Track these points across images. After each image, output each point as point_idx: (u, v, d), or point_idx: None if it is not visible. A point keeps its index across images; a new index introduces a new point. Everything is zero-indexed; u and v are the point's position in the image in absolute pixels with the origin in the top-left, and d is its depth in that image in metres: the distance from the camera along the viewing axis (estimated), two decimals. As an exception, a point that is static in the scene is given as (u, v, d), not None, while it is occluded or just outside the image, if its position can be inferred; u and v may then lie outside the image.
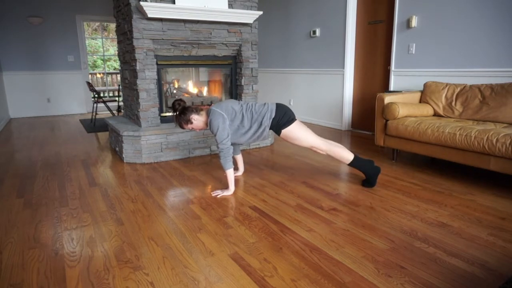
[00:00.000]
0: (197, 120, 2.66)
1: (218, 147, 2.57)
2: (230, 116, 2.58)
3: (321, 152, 2.68)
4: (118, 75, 8.71)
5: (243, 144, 2.96)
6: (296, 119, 2.66)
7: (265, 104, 2.66)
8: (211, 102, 4.23)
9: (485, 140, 2.54)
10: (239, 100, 2.71)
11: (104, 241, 1.95)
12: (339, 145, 2.73)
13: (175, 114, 2.68)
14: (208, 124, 2.64)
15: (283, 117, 2.61)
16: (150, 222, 2.19)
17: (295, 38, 5.92)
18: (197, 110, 2.68)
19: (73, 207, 2.44)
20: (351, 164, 2.68)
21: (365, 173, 2.70)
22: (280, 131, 2.62)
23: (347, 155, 2.66)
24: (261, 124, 2.60)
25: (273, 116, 2.60)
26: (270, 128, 2.64)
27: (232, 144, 2.80)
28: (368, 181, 2.73)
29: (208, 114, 2.62)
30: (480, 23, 3.46)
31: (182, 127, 2.70)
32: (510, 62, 3.29)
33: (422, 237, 1.94)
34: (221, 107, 2.60)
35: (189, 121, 2.64)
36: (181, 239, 1.96)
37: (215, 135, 2.56)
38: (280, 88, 6.51)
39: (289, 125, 2.60)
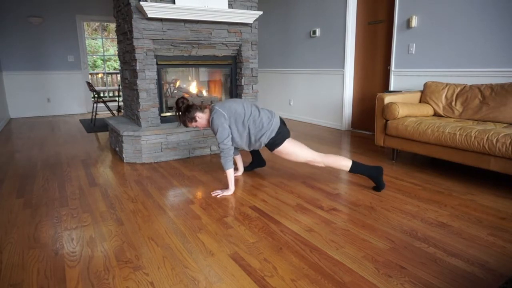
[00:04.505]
0: (201, 118, 2.67)
1: (219, 147, 2.58)
2: (233, 117, 2.58)
3: (318, 165, 2.65)
4: (118, 75, 8.72)
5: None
6: (289, 137, 2.65)
7: (270, 119, 2.61)
8: (211, 102, 4.23)
9: (485, 140, 2.54)
10: (244, 101, 2.70)
11: (104, 241, 1.95)
12: (334, 155, 2.70)
13: (179, 112, 2.68)
14: (210, 122, 2.64)
15: (280, 139, 2.60)
16: (150, 222, 2.19)
17: (295, 38, 5.92)
18: (201, 108, 2.69)
19: (73, 207, 2.44)
20: (352, 170, 2.63)
21: (369, 176, 2.64)
22: (273, 150, 2.64)
23: (345, 162, 2.62)
24: (259, 139, 2.61)
25: (272, 136, 2.59)
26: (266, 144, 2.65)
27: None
28: (377, 185, 2.67)
29: (211, 112, 2.62)
30: (480, 23, 3.46)
31: (186, 125, 2.71)
32: (509, 62, 3.29)
33: (422, 237, 1.94)
34: (223, 107, 2.59)
35: (193, 119, 2.66)
36: (181, 239, 1.96)
37: (215, 134, 2.57)
38: (280, 88, 6.51)
39: (281, 144, 2.60)
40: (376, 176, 2.64)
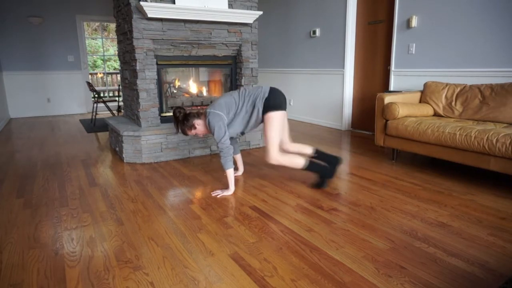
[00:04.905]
0: (200, 124, 2.68)
1: (218, 147, 2.58)
2: (225, 110, 2.59)
3: (268, 160, 2.59)
4: (118, 75, 8.71)
5: (241, 136, 2.92)
6: (284, 110, 2.62)
7: (259, 87, 2.67)
8: (211, 102, 4.23)
9: (485, 140, 2.54)
10: (231, 92, 2.73)
11: (104, 241, 1.95)
12: (292, 154, 2.66)
13: (177, 121, 2.68)
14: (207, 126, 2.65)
15: (274, 100, 2.58)
16: (150, 222, 2.19)
17: (295, 38, 5.92)
18: (198, 115, 2.69)
19: (73, 207, 2.44)
20: (306, 169, 2.63)
21: (320, 175, 2.71)
22: (266, 112, 2.58)
23: (299, 162, 2.60)
24: (254, 106, 2.60)
25: (266, 96, 2.58)
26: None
27: (231, 139, 2.81)
28: (319, 183, 2.73)
29: (206, 116, 2.63)
30: (480, 23, 3.45)
31: (185, 134, 2.72)
32: (509, 62, 3.29)
33: (422, 237, 1.94)
34: (214, 107, 2.61)
35: (192, 127, 2.66)
36: (181, 239, 1.96)
37: (213, 135, 2.58)
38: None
39: (274, 110, 2.56)
40: (325, 176, 2.71)
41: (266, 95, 2.59)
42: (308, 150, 2.85)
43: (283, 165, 2.62)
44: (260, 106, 2.59)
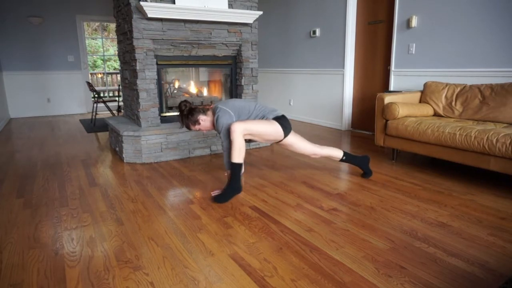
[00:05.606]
0: (205, 120, 2.67)
1: (222, 145, 2.58)
2: (236, 112, 2.59)
3: (234, 126, 2.43)
4: (118, 75, 8.71)
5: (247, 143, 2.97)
6: (284, 134, 2.65)
7: (274, 109, 2.74)
8: (211, 102, 4.23)
9: (485, 140, 2.54)
10: (250, 100, 2.76)
11: (104, 241, 1.95)
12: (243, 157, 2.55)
13: (182, 115, 2.67)
14: (214, 123, 2.64)
15: (283, 119, 2.67)
16: (150, 222, 2.19)
17: (295, 38, 5.92)
18: (204, 111, 2.68)
19: (73, 207, 2.44)
20: (228, 169, 2.57)
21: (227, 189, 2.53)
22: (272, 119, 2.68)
23: (241, 155, 2.48)
24: (263, 117, 2.65)
25: (277, 115, 2.66)
26: None
27: None
28: (223, 194, 2.50)
29: (214, 112, 2.62)
30: (480, 23, 3.45)
31: (189, 128, 2.71)
32: (509, 62, 3.29)
33: (422, 237, 1.94)
34: (227, 105, 2.60)
35: (196, 122, 2.65)
36: (181, 239, 1.96)
37: (219, 133, 2.56)
38: (280, 88, 6.51)
39: (279, 123, 2.62)
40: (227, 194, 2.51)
41: (279, 114, 2.67)
42: (338, 153, 2.92)
43: (232, 141, 2.44)
44: (269, 117, 2.65)
